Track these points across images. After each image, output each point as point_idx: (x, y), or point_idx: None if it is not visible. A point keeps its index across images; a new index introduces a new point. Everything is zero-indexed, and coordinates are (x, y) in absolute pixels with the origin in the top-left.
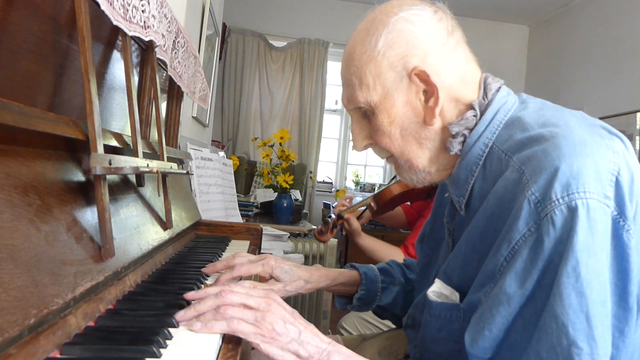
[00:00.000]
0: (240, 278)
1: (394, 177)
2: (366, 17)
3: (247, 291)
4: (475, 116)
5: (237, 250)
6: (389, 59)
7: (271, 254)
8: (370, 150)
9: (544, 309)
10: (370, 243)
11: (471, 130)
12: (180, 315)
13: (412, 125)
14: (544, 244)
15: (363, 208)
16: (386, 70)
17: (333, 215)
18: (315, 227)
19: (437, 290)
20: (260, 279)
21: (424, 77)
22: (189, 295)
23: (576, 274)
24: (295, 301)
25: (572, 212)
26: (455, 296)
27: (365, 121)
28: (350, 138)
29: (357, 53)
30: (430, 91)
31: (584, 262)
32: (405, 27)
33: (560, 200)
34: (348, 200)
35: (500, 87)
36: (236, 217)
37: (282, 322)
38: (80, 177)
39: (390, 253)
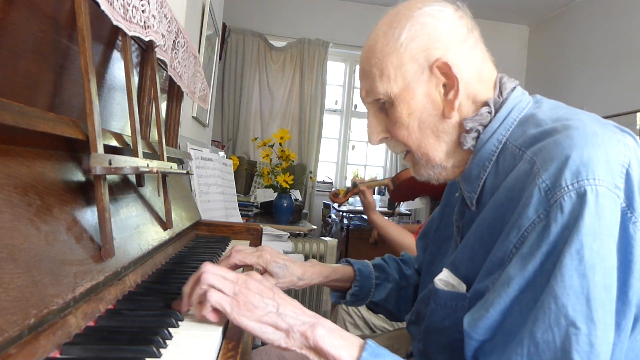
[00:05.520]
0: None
1: None
2: (388, 12)
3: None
4: (489, 113)
5: None
6: (411, 51)
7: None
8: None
9: (542, 293)
10: (382, 220)
11: (485, 126)
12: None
13: (430, 118)
14: (551, 229)
15: (380, 186)
16: (408, 62)
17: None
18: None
19: (445, 279)
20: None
21: (445, 70)
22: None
23: (580, 256)
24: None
25: (581, 197)
26: (462, 287)
27: (383, 114)
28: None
29: (379, 45)
30: (450, 84)
31: (589, 245)
32: (429, 21)
33: (570, 187)
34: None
35: (515, 87)
36: (236, 217)
37: (260, 297)
38: (80, 177)
39: (402, 234)
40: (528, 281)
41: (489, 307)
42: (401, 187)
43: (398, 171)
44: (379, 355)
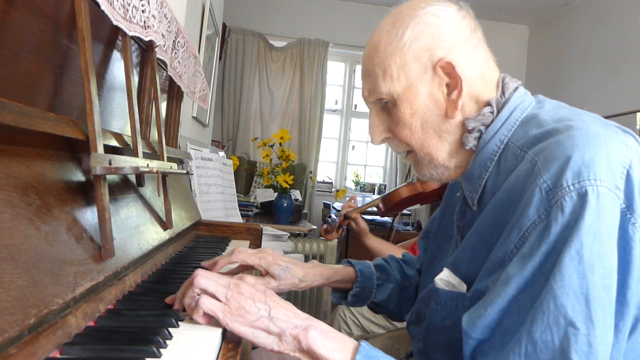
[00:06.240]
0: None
1: (408, 173)
2: (391, 11)
3: (219, 275)
4: (492, 113)
5: None
6: (415, 51)
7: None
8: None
9: (541, 293)
10: (377, 244)
11: (487, 126)
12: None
13: (433, 117)
14: (551, 229)
15: (370, 209)
16: (411, 61)
17: (333, 216)
18: (316, 227)
19: (445, 278)
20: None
21: (448, 70)
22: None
23: (579, 256)
24: (295, 301)
25: (582, 198)
26: (462, 287)
27: (385, 114)
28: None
29: (382, 44)
30: (453, 84)
31: (588, 245)
32: (432, 21)
33: (571, 187)
34: (353, 201)
35: (517, 87)
36: (236, 217)
37: (252, 301)
38: (80, 177)
39: (397, 254)
40: (527, 281)
41: (487, 307)
42: (392, 209)
43: (398, 172)
44: (372, 358)
